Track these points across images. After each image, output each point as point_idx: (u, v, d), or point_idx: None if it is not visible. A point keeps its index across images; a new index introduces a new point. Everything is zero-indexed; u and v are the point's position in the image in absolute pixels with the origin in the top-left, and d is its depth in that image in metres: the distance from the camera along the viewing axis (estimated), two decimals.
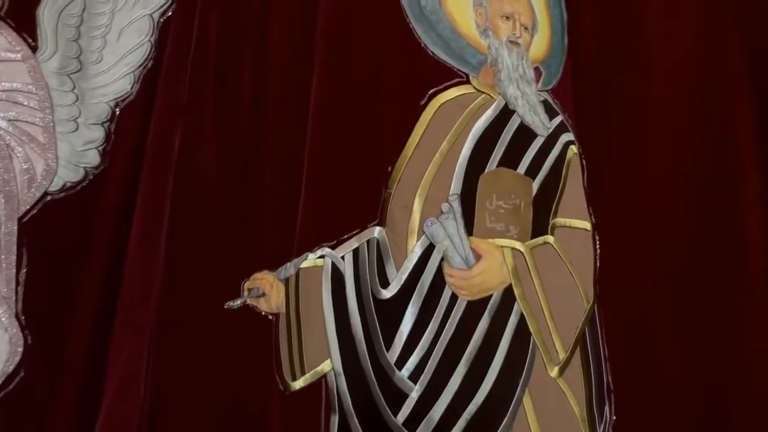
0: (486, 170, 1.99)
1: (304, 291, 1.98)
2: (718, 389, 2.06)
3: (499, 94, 2.07)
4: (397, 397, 1.87)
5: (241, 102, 2.18)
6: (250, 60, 2.19)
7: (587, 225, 2.05)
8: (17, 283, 1.99)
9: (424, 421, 1.86)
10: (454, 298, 1.91)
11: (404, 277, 1.93)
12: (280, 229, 2.07)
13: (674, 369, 2.07)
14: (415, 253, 1.93)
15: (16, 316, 1.98)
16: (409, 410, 1.86)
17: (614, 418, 2.00)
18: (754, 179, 2.15)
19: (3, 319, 1.96)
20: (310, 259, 1.99)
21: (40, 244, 2.03)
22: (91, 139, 2.12)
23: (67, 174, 2.08)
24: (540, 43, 2.16)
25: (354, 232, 2.00)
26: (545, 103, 2.10)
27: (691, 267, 2.11)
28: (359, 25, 2.15)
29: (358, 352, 1.91)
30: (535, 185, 2.01)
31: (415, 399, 1.87)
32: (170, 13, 2.23)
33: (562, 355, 1.91)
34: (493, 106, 2.06)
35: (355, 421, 1.90)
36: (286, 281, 2.00)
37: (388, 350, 1.90)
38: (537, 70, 2.13)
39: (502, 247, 1.92)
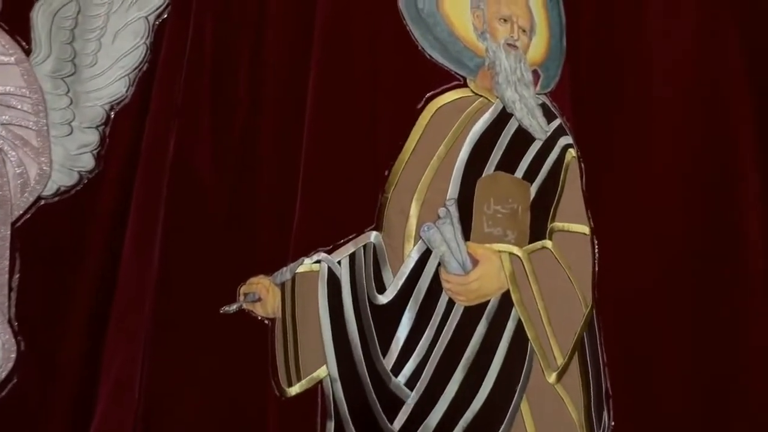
0: (483, 174, 1.97)
1: (300, 296, 1.97)
2: (718, 395, 2.04)
3: (497, 97, 2.05)
4: (394, 404, 1.86)
5: (236, 105, 2.17)
6: (245, 63, 2.18)
7: (586, 229, 2.03)
8: (10, 289, 1.98)
9: (421, 428, 1.84)
10: (451, 303, 1.89)
11: (401, 282, 1.91)
12: (276, 233, 2.06)
13: (674, 374, 2.05)
14: (412, 259, 1.92)
15: (9, 322, 1.97)
16: (405, 417, 1.85)
17: (613, 423, 1.99)
18: (754, 180, 2.14)
19: None
20: (306, 264, 1.98)
21: (34, 249, 2.02)
22: (86, 143, 2.11)
23: (61, 178, 2.07)
24: (538, 46, 2.15)
25: (350, 237, 1.99)
26: (543, 106, 2.09)
27: (691, 270, 2.10)
28: (356, 28, 2.14)
29: (354, 358, 1.90)
30: (533, 189, 2.00)
31: (412, 406, 1.85)
32: (166, 16, 2.22)
33: (560, 361, 1.89)
34: (490, 110, 2.05)
35: (351, 428, 1.89)
36: (282, 286, 1.99)
37: (384, 356, 1.88)
38: (535, 73, 2.12)
39: (499, 252, 1.91)
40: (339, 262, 1.97)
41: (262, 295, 2.00)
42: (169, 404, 1.98)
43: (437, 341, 1.87)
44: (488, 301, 1.90)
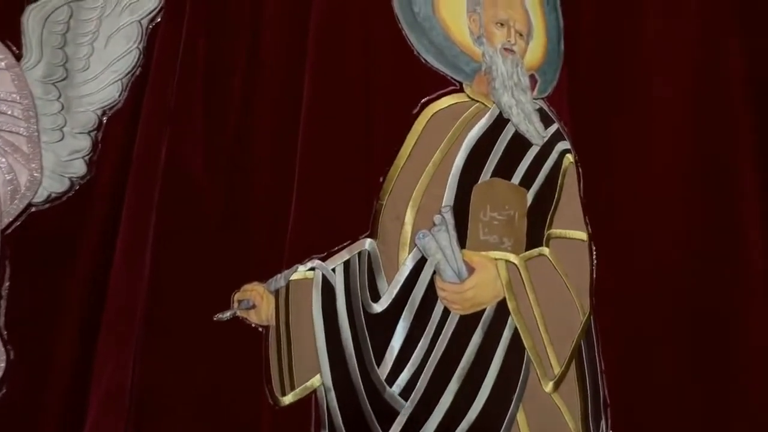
0: (479, 181, 1.96)
1: (294, 303, 1.95)
2: (717, 403, 2.02)
3: (494, 102, 2.04)
4: (388, 415, 1.84)
5: (230, 110, 2.15)
6: (239, 67, 2.17)
7: (583, 235, 2.01)
8: (0, 297, 1.95)
9: None
10: (446, 312, 1.87)
11: (395, 290, 1.90)
12: (270, 239, 2.05)
13: (672, 381, 2.03)
14: (407, 266, 1.90)
15: None
16: (399, 428, 1.83)
17: None
18: (754, 184, 2.12)
19: None
20: (301, 271, 1.97)
21: (24, 257, 2.01)
22: (77, 149, 2.09)
23: (52, 185, 2.06)
24: (535, 50, 2.13)
25: (345, 244, 1.98)
26: (540, 111, 2.07)
27: (691, 276, 2.08)
28: (351, 32, 2.13)
29: (349, 367, 1.88)
30: (530, 195, 1.98)
31: (406, 416, 1.83)
32: (159, 20, 2.20)
33: (557, 370, 1.88)
34: (487, 115, 2.03)
35: None
36: (276, 293, 1.98)
37: (378, 366, 1.87)
38: (532, 77, 2.10)
39: (495, 259, 1.89)
40: (333, 270, 1.95)
41: (256, 303, 1.99)
42: (161, 412, 1.97)
43: (432, 351, 1.85)
44: (484, 310, 1.88)
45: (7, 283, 1.97)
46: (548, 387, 1.87)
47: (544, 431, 1.87)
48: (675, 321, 2.06)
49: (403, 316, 1.88)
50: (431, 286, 1.88)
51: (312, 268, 1.96)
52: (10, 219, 2.01)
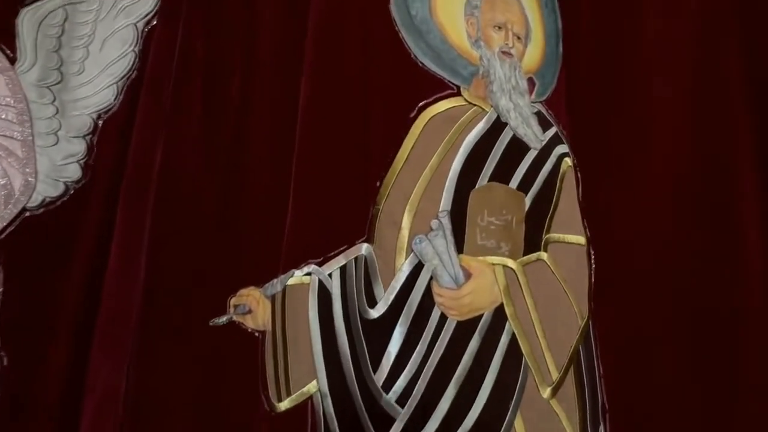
0: (477, 185, 1.95)
1: (290, 309, 1.94)
2: (717, 407, 2.01)
3: (491, 106, 2.02)
4: (385, 421, 1.83)
5: (227, 113, 2.14)
6: (238, 70, 2.15)
7: (582, 239, 2.01)
8: None
9: None
10: (443, 318, 1.86)
11: (392, 296, 1.88)
12: (266, 244, 2.03)
13: (672, 385, 2.02)
14: (404, 272, 1.89)
15: None
16: None
17: None
18: (754, 188, 2.11)
19: None
20: (297, 276, 1.95)
21: (18, 262, 2.00)
22: (72, 153, 2.08)
23: (47, 189, 2.04)
24: (533, 53, 2.12)
25: (341, 249, 1.96)
26: (539, 114, 2.06)
27: (690, 280, 2.07)
28: (348, 35, 2.11)
29: (345, 373, 1.87)
30: (528, 200, 1.97)
31: (403, 423, 1.82)
32: (155, 22, 2.19)
33: (555, 376, 1.87)
34: (484, 119, 2.02)
35: None
36: (273, 298, 1.96)
37: (375, 372, 1.85)
38: (530, 80, 2.09)
39: (493, 264, 1.88)
40: (330, 275, 1.94)
41: (252, 307, 1.97)
42: (156, 418, 1.96)
43: (429, 357, 1.84)
44: (481, 316, 1.86)
45: (0, 289, 1.96)
46: (546, 393, 1.86)
47: None
48: (674, 325, 2.04)
49: (399, 322, 1.86)
50: (428, 292, 1.87)
51: (308, 273, 1.95)
52: (5, 224, 1.99)
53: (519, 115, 2.01)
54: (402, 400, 1.83)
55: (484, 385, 1.83)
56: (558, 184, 2.02)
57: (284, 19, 2.16)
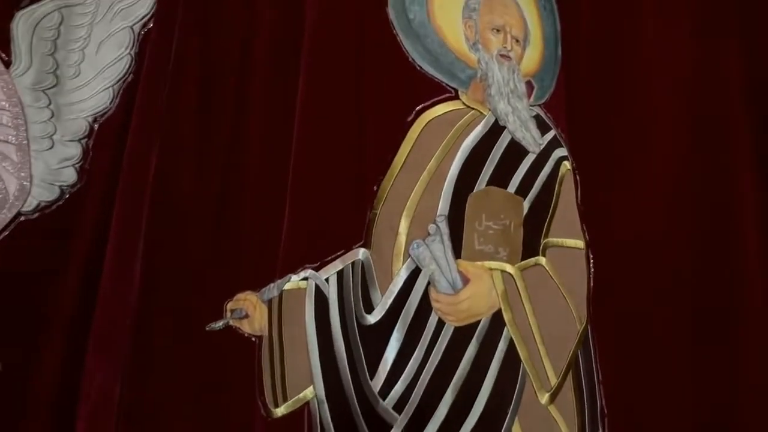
0: (475, 190, 1.94)
1: (287, 314, 1.93)
2: (717, 411, 2.01)
3: (489, 110, 2.01)
4: (381, 428, 1.82)
5: (222, 117, 2.13)
6: (233, 74, 2.14)
7: (580, 243, 2.00)
8: None
9: None
10: (440, 323, 1.85)
11: (389, 302, 1.87)
12: (263, 248, 2.02)
13: (671, 390, 2.02)
14: (401, 277, 1.88)
15: None
16: None
17: None
18: (753, 192, 2.11)
19: None
20: (294, 281, 1.94)
21: (13, 266, 1.98)
22: (68, 157, 2.07)
23: (42, 193, 2.03)
24: (532, 56, 2.11)
25: (338, 254, 1.95)
26: (537, 118, 2.05)
27: (690, 284, 2.07)
28: (345, 39, 2.10)
29: (342, 379, 1.86)
30: (526, 204, 1.96)
31: (400, 430, 1.81)
32: (152, 25, 2.17)
33: (553, 381, 1.86)
34: (482, 123, 2.01)
35: None
36: (269, 303, 1.95)
37: (372, 378, 1.84)
38: (529, 84, 2.08)
39: (491, 269, 1.87)
40: (327, 280, 1.93)
41: (249, 312, 1.97)
42: (150, 424, 1.94)
43: (426, 363, 1.83)
44: (479, 321, 1.86)
45: None
46: (544, 399, 1.85)
47: None
48: (674, 329, 2.04)
49: (396, 328, 1.85)
50: (425, 297, 1.86)
51: (305, 278, 1.94)
52: None
53: (517, 118, 2.00)
54: (399, 406, 1.82)
55: (481, 391, 1.82)
56: (556, 188, 2.01)
57: (281, 23, 2.15)
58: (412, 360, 1.84)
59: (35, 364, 1.97)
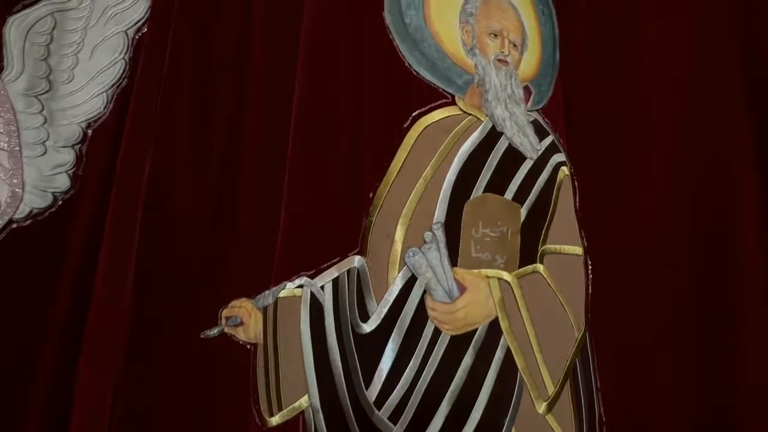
0: (472, 196, 1.92)
1: (281, 322, 1.92)
2: (717, 417, 2.01)
3: (487, 115, 2.00)
4: None
5: (218, 122, 2.11)
6: (228, 80, 2.12)
7: (578, 250, 1.98)
8: None
9: None
10: (436, 332, 1.84)
11: (384, 310, 1.86)
12: (258, 255, 2.00)
13: (671, 398, 2.01)
14: (396, 285, 1.87)
15: None
16: None
17: None
18: (753, 196, 2.10)
19: None
20: (289, 289, 1.93)
21: (4, 274, 1.97)
22: (61, 163, 2.05)
23: (34, 200, 2.01)
24: (530, 61, 2.09)
25: (334, 261, 1.93)
26: (535, 123, 2.04)
27: (689, 290, 2.06)
28: (341, 45, 2.08)
29: (337, 388, 1.84)
30: (524, 211, 1.94)
31: None
32: (146, 30, 2.15)
33: (551, 390, 1.85)
34: (479, 129, 1.99)
35: None
36: (264, 311, 1.94)
37: (367, 387, 1.83)
38: (526, 89, 2.07)
39: (488, 277, 1.86)
40: (322, 288, 1.91)
41: (244, 319, 1.95)
42: None
43: (422, 372, 1.82)
44: (476, 330, 1.84)
45: None
46: (541, 408, 1.84)
47: None
48: (673, 336, 2.03)
49: (392, 337, 1.84)
50: (421, 306, 1.84)
51: (300, 286, 1.92)
52: None
53: (515, 124, 1.99)
54: (395, 416, 1.81)
55: (478, 401, 1.81)
56: (554, 194, 2.00)
57: (276, 28, 2.13)
58: (407, 369, 1.82)
59: (28, 372, 1.95)
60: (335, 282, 1.91)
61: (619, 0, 2.23)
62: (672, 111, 2.16)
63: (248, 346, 1.95)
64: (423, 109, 2.00)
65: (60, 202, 2.04)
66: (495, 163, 1.96)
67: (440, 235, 1.84)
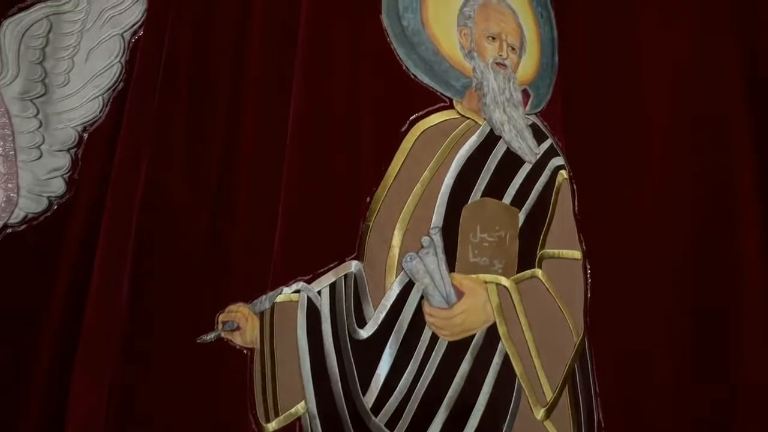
0: (470, 201, 1.91)
1: (278, 327, 1.91)
2: (716, 423, 1.99)
3: (485, 119, 1.99)
4: None
5: (213, 125, 2.10)
6: (224, 84, 2.11)
7: (577, 254, 1.97)
8: None
9: None
10: (434, 338, 1.83)
11: (381, 316, 1.85)
12: (255, 259, 1.99)
13: (670, 403, 2.00)
14: (393, 291, 1.86)
15: None
16: None
17: None
18: (753, 199, 2.09)
19: None
20: (286, 293, 1.92)
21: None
22: (56, 167, 2.04)
23: (29, 205, 2.01)
24: (528, 64, 2.08)
25: (331, 266, 1.93)
26: (533, 126, 2.03)
27: (689, 294, 2.05)
28: (338, 48, 2.07)
29: (334, 394, 1.84)
30: (522, 215, 1.93)
31: None
32: (142, 33, 2.14)
33: (549, 396, 1.84)
34: (477, 133, 1.98)
35: None
36: (261, 316, 1.93)
37: (364, 393, 1.82)
38: (525, 92, 2.05)
39: (486, 282, 1.85)
40: (319, 293, 1.91)
41: (240, 324, 1.95)
42: None
43: (419, 378, 1.81)
44: (473, 336, 1.83)
45: None
46: (540, 414, 1.83)
47: None
48: (673, 340, 2.02)
49: (389, 343, 1.83)
50: (418, 312, 1.84)
51: (297, 291, 1.91)
52: None
53: (513, 128, 1.98)
54: (392, 422, 1.80)
55: (476, 407, 1.81)
56: (553, 198, 1.98)
57: (273, 32, 2.12)
58: (405, 375, 1.81)
59: (24, 375, 1.95)
60: (332, 287, 1.91)
61: (617, 3, 2.20)
62: (671, 114, 2.15)
63: (245, 351, 1.95)
64: (420, 113, 2.00)
65: (55, 207, 2.03)
66: (493, 167, 1.95)
67: (438, 239, 1.83)
